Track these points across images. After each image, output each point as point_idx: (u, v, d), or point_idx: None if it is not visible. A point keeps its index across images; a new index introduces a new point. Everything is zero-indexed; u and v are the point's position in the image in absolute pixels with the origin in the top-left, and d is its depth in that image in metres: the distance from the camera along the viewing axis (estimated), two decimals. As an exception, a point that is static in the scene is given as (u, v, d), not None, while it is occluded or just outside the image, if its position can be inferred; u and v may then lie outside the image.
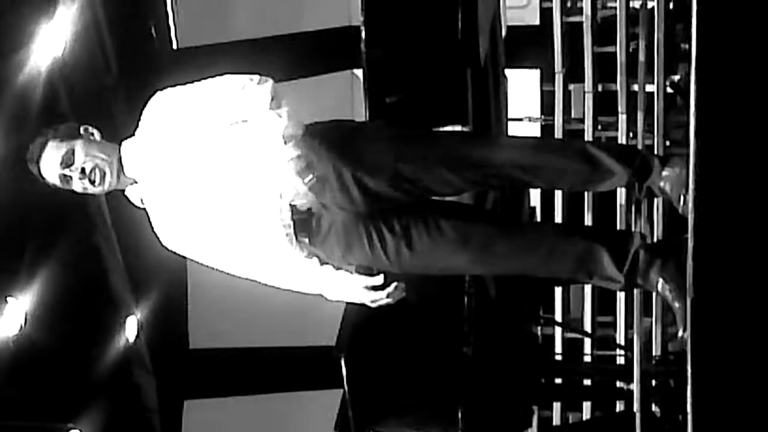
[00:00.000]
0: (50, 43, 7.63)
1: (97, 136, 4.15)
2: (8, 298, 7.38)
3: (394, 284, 4.15)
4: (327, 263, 4.19)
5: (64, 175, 4.09)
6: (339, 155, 4.04)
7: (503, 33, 8.21)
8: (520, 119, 10.84)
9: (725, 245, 3.87)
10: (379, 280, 4.17)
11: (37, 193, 7.55)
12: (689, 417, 4.05)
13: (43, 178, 4.15)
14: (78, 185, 4.12)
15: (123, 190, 4.21)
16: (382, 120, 4.41)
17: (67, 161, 4.08)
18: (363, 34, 5.79)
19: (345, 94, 10.73)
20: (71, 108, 8.08)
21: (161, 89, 4.16)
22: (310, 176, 3.99)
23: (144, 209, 4.20)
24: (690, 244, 3.84)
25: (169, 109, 4.08)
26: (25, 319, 7.44)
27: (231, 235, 4.09)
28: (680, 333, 3.98)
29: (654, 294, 10.25)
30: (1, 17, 7.30)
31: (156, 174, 4.09)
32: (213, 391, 10.23)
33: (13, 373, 7.56)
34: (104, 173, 4.08)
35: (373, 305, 4.24)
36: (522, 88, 10.83)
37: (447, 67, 5.77)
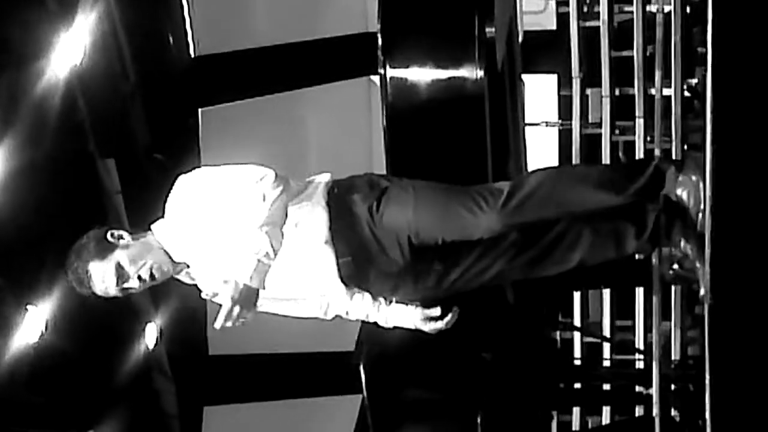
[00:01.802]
0: (69, 52, 7.67)
1: (126, 238, 4.16)
2: (29, 306, 7.41)
3: (451, 314, 4.26)
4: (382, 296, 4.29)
5: (124, 289, 4.15)
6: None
7: (520, 38, 8.21)
8: (538, 124, 10.84)
9: (743, 251, 3.87)
10: (436, 311, 4.28)
11: (56, 201, 7.60)
12: (708, 421, 4.05)
13: (98, 296, 4.22)
14: (140, 289, 4.20)
15: (173, 276, 4.26)
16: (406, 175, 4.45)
17: (122, 276, 4.13)
18: (380, 41, 5.80)
19: (362, 101, 10.75)
20: (90, 116, 8.12)
21: (185, 172, 4.19)
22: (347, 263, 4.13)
23: (195, 285, 4.27)
24: (708, 251, 3.85)
25: (190, 194, 4.12)
26: (46, 326, 7.47)
27: (288, 293, 4.23)
28: (701, 292, 4.02)
29: (672, 298, 10.28)
30: (20, 26, 7.33)
31: (192, 250, 4.15)
32: (232, 397, 10.25)
33: (34, 380, 7.59)
34: (162, 269, 4.15)
35: (432, 333, 4.33)
36: (539, 93, 10.84)
37: (463, 73, 5.77)
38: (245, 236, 3.99)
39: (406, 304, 4.31)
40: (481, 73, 5.74)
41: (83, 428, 7.98)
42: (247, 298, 3.98)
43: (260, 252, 3.97)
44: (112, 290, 4.15)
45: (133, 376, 8.75)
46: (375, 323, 4.40)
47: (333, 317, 4.37)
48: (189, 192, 4.12)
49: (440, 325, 4.30)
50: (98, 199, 8.38)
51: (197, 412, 10.00)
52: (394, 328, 4.39)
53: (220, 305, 4.01)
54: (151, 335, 9.07)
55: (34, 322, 7.45)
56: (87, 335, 7.99)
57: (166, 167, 8.42)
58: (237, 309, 3.96)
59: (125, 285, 4.14)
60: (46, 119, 7.53)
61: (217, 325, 4.00)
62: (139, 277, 4.12)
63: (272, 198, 4.02)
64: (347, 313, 4.35)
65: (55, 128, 7.61)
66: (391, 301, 4.31)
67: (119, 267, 4.10)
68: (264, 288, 4.02)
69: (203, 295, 4.20)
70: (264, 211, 4.00)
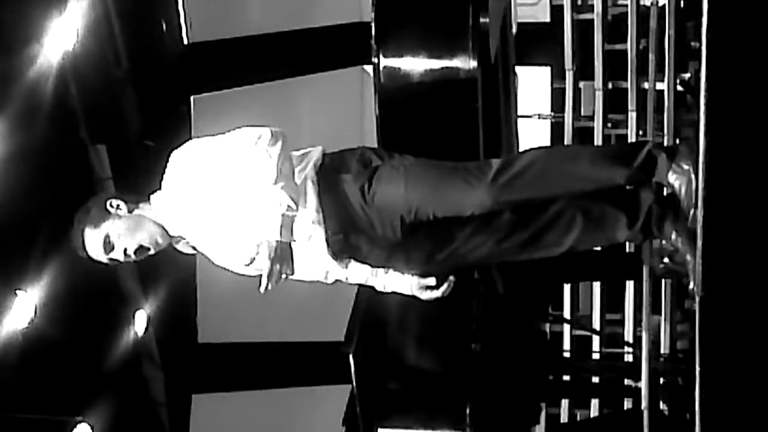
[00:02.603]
0: (61, 37, 7.64)
1: (123, 209, 4.21)
2: (18, 292, 7.39)
3: (446, 283, 4.26)
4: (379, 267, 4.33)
5: (111, 259, 4.22)
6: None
7: (514, 30, 8.20)
8: (530, 116, 10.85)
9: (735, 245, 3.87)
10: (431, 281, 4.31)
11: (46, 187, 7.59)
12: (697, 415, 4.06)
13: (97, 261, 4.26)
14: (131, 260, 4.26)
15: (173, 246, 4.29)
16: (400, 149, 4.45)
17: (109, 246, 4.20)
18: (373, 31, 5.79)
19: (355, 90, 10.73)
20: (82, 102, 8.10)
21: (181, 144, 4.20)
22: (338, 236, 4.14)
23: (200, 253, 4.29)
24: (700, 245, 3.85)
25: (187, 165, 4.15)
26: (35, 312, 7.46)
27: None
28: (691, 285, 4.02)
29: (662, 292, 10.30)
30: (12, 11, 7.31)
31: (191, 221, 4.18)
32: (221, 385, 10.24)
33: (23, 365, 7.58)
34: (157, 242, 4.21)
35: (427, 300, 4.34)
36: (533, 86, 10.85)
37: (456, 64, 5.76)
38: (262, 196, 4.01)
39: (403, 272, 4.33)
40: (474, 64, 5.72)
41: (72, 414, 7.96)
42: (283, 253, 4.01)
43: (282, 205, 3.99)
44: (102, 258, 4.23)
45: (122, 363, 8.74)
46: (372, 288, 4.41)
47: (333, 281, 4.38)
48: (186, 165, 4.14)
49: (436, 293, 4.32)
50: (89, 185, 8.36)
51: (186, 400, 10.00)
52: (392, 293, 4.40)
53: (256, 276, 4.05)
54: (140, 322, 9.05)
55: (23, 308, 7.43)
56: (76, 321, 7.98)
57: (158, 154, 8.39)
58: (277, 266, 3.99)
59: (111, 256, 4.21)
60: (37, 105, 7.51)
61: (263, 288, 4.02)
62: (125, 251, 4.19)
63: (276, 153, 4.04)
64: (346, 278, 4.37)
65: (47, 114, 7.59)
66: (388, 270, 4.33)
67: (107, 238, 4.18)
68: (294, 239, 4.05)
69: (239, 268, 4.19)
70: (273, 167, 4.01)
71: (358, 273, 4.33)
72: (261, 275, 4.03)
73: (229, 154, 4.09)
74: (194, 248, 4.29)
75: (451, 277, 4.30)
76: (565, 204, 4.18)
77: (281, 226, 4.00)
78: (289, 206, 4.00)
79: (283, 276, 4.05)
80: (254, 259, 4.10)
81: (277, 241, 3.99)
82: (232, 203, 4.09)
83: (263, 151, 4.03)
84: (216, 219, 4.12)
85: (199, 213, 4.13)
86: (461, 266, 4.30)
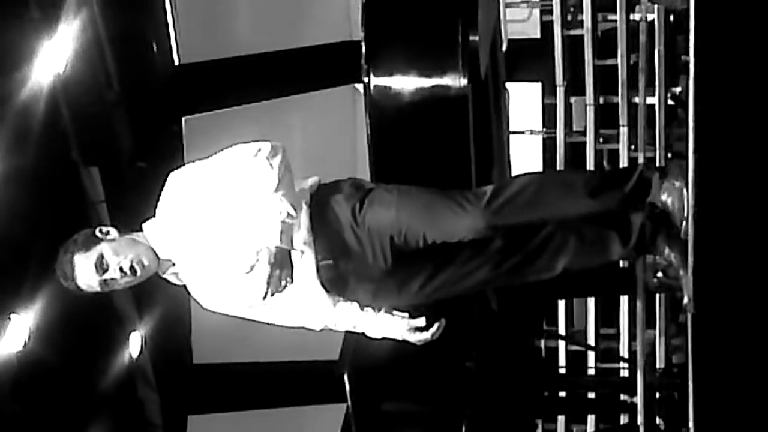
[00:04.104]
0: (52, 61, 7.66)
1: (113, 233, 4.18)
2: (12, 315, 7.39)
3: (437, 324, 4.26)
4: (368, 306, 4.29)
5: (105, 280, 4.12)
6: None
7: (504, 47, 8.22)
8: (522, 132, 10.86)
9: (726, 259, 3.88)
10: (421, 322, 4.28)
11: (40, 209, 7.58)
12: (692, 430, 4.06)
13: (83, 291, 4.17)
14: (121, 283, 4.17)
15: (159, 274, 4.25)
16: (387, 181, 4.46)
17: (102, 267, 4.11)
18: (363, 50, 5.80)
19: (347, 109, 10.74)
20: (73, 124, 8.11)
21: (175, 169, 4.20)
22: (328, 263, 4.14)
23: (183, 286, 4.27)
24: (691, 260, 3.85)
25: (184, 189, 4.14)
26: (29, 335, 7.45)
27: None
28: (685, 300, 4.02)
29: (657, 306, 10.30)
30: (3, 34, 7.32)
31: (185, 248, 4.17)
32: (216, 406, 10.23)
33: (17, 389, 7.57)
34: (143, 263, 4.13)
35: (418, 343, 4.33)
36: (523, 101, 10.85)
37: (447, 82, 5.77)
38: (263, 204, 4.02)
39: (392, 314, 4.31)
40: (464, 82, 5.73)
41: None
42: (283, 259, 4.01)
43: (282, 213, 4.00)
44: (95, 282, 4.11)
45: (117, 385, 8.73)
46: (362, 333, 4.40)
47: (321, 328, 4.37)
48: (186, 186, 4.13)
49: (426, 335, 4.30)
50: (82, 208, 8.36)
51: (181, 421, 9.98)
52: (382, 339, 4.39)
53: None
54: (135, 344, 9.05)
55: (17, 331, 7.43)
56: (71, 344, 7.98)
57: (150, 175, 8.40)
58: (277, 272, 3.99)
59: (106, 276, 4.11)
60: (30, 127, 7.52)
61: (264, 295, 4.02)
62: (121, 269, 4.10)
63: (277, 163, 4.05)
64: (335, 324, 4.35)
65: (39, 136, 7.60)
66: (379, 310, 4.31)
67: (101, 257, 4.10)
68: (294, 248, 4.05)
69: (239, 271, 4.15)
70: (274, 177, 4.03)
71: (346, 315, 4.29)
72: (253, 311, 4.03)
73: (228, 167, 4.10)
74: (182, 281, 4.26)
75: (442, 319, 4.30)
76: (557, 227, 4.18)
77: (281, 232, 4.00)
78: (289, 214, 4.01)
79: (283, 283, 4.05)
80: (254, 266, 4.08)
81: (276, 247, 4.00)
82: (232, 214, 4.08)
83: (264, 161, 4.05)
84: (214, 234, 4.10)
85: (195, 236, 4.11)
86: (453, 295, 4.28)
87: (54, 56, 7.68)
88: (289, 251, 4.04)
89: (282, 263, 4.01)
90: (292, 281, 4.08)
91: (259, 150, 4.07)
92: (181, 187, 4.14)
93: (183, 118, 9.40)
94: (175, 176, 4.17)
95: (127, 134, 8.91)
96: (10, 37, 7.36)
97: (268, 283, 4.00)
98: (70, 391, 8.18)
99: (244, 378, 10.25)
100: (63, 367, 7.95)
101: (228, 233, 4.09)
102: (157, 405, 9.56)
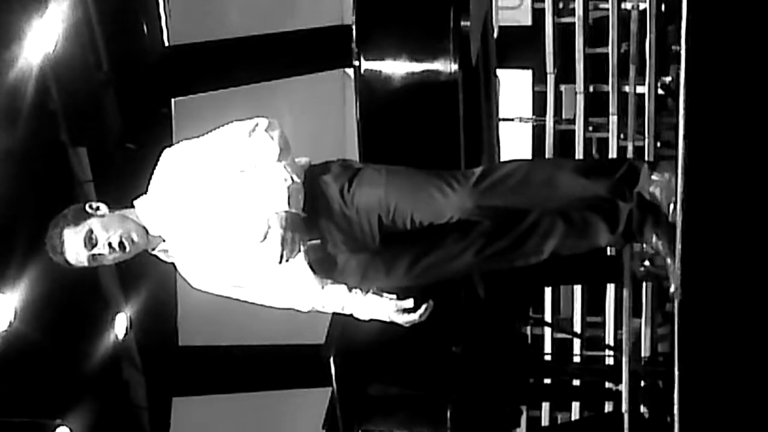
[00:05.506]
0: (42, 40, 7.63)
1: (103, 209, 4.18)
2: (-3, 294, 7.38)
3: (425, 306, 4.26)
4: (356, 288, 4.29)
5: (93, 255, 4.13)
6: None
7: (495, 33, 8.20)
8: (512, 119, 10.86)
9: (714, 248, 3.88)
10: (409, 303, 4.30)
11: (26, 189, 7.56)
12: (677, 418, 4.07)
13: (71, 265, 4.18)
14: (110, 259, 4.18)
15: (148, 251, 4.25)
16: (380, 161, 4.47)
17: (91, 242, 4.12)
18: (354, 34, 5.79)
19: (337, 93, 10.74)
20: (62, 104, 8.09)
21: (169, 145, 4.19)
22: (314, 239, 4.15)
23: (172, 263, 4.26)
24: (679, 248, 3.86)
25: (180, 166, 4.13)
26: (15, 315, 7.44)
27: (256, 273, 4.23)
28: (672, 288, 4.03)
29: (643, 295, 10.32)
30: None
31: (178, 225, 4.17)
32: (202, 388, 10.23)
33: (2, 368, 7.56)
34: (132, 239, 4.14)
35: (406, 325, 4.33)
36: (514, 89, 10.85)
37: (437, 67, 5.76)
38: (267, 173, 4.05)
39: (380, 296, 4.31)
40: (455, 67, 5.72)
41: (52, 417, 7.95)
42: (294, 222, 4.02)
43: (287, 180, 4.02)
44: (83, 257, 4.13)
45: (102, 366, 8.73)
46: (350, 315, 4.40)
47: (309, 310, 4.37)
48: (183, 162, 4.13)
49: (414, 317, 4.31)
50: (69, 188, 8.35)
51: (166, 403, 9.98)
52: (370, 320, 4.39)
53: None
54: (120, 325, 9.04)
55: (2, 311, 7.41)
56: (56, 324, 7.96)
57: (139, 157, 8.38)
58: (290, 234, 3.99)
59: (94, 251, 4.12)
60: (18, 107, 7.49)
61: (279, 259, 4.02)
62: (110, 245, 4.12)
63: (277, 135, 4.08)
64: (323, 306, 4.35)
65: (27, 116, 7.57)
66: (366, 292, 4.31)
67: (90, 232, 4.11)
68: (304, 211, 4.06)
69: (254, 241, 4.13)
70: (275, 147, 4.06)
71: (334, 297, 4.32)
72: (249, 292, 4.03)
73: (228, 141, 4.10)
74: (171, 258, 4.26)
75: (430, 300, 4.30)
76: (545, 211, 4.18)
77: (289, 197, 4.02)
78: (292, 178, 4.03)
79: (297, 245, 4.04)
80: (266, 233, 4.06)
81: (286, 212, 4.00)
82: (236, 187, 4.09)
83: (264, 134, 4.06)
84: (219, 209, 4.11)
85: (193, 213, 4.11)
86: (441, 278, 4.28)
87: (43, 36, 7.65)
88: (299, 214, 4.03)
89: (294, 226, 4.02)
90: (305, 244, 4.07)
91: (257, 125, 4.09)
92: (176, 164, 4.14)
93: (172, 100, 9.38)
94: (170, 153, 4.17)
95: (116, 115, 8.89)
96: (-1, 16, 7.34)
97: (283, 245, 3.98)
98: (55, 371, 8.17)
99: (229, 361, 10.26)
100: (48, 348, 7.94)
101: (234, 206, 4.10)
102: (142, 386, 9.56)
